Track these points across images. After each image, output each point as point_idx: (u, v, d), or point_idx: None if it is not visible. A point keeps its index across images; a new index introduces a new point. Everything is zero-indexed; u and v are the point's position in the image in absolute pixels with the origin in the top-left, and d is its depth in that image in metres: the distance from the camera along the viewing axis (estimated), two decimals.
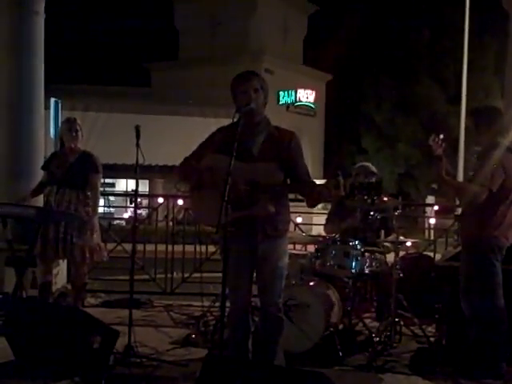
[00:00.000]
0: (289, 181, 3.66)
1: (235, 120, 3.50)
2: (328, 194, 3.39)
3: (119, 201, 20.55)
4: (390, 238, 5.16)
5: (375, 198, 4.73)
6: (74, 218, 5.01)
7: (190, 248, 6.93)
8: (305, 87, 27.26)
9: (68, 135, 5.29)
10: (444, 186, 4.51)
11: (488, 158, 4.22)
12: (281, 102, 26.63)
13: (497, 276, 4.23)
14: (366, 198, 4.35)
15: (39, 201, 5.66)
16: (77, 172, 5.18)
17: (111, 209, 19.73)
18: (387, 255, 5.40)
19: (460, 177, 19.42)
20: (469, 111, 4.75)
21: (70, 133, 5.29)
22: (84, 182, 5.17)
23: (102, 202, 18.59)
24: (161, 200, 7.91)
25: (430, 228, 10.71)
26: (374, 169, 5.50)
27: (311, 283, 4.91)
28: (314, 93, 27.67)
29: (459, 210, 5.43)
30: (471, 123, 4.53)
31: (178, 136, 19.78)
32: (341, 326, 4.98)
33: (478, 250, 4.25)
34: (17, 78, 6.39)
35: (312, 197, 3.54)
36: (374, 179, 4.80)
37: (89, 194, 5.20)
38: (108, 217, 14.49)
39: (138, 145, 4.34)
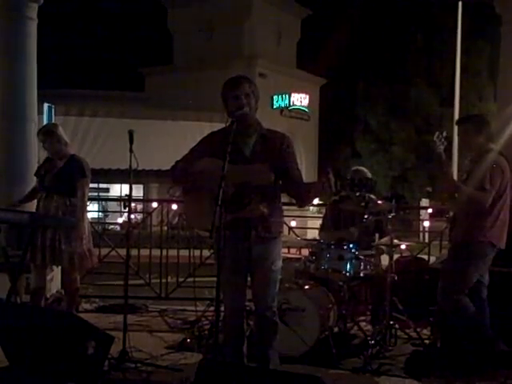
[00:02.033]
0: (281, 183, 3.65)
1: (227, 124, 3.50)
2: (317, 192, 3.39)
3: (113, 206, 20.52)
4: (384, 239, 5.18)
5: (366, 195, 4.77)
6: (66, 224, 4.98)
7: (184, 253, 6.92)
8: (299, 91, 27.30)
9: (45, 146, 5.28)
10: (447, 185, 4.52)
11: (483, 161, 4.26)
12: (275, 106, 26.65)
13: (473, 280, 4.33)
14: (357, 195, 4.36)
15: (33, 207, 5.65)
16: (64, 177, 5.12)
17: (105, 214, 19.70)
18: (382, 258, 5.41)
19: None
20: (456, 120, 4.83)
21: (43, 145, 5.27)
22: (72, 188, 5.11)
23: (95, 206, 18.62)
24: (155, 205, 7.90)
25: (424, 231, 10.71)
26: (368, 173, 5.50)
27: (306, 287, 4.91)
28: (307, 97, 27.71)
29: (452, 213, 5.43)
30: (461, 130, 4.56)
31: (173, 141, 19.77)
32: (336, 330, 4.98)
33: (467, 252, 4.29)
34: (9, 83, 6.37)
35: (301, 196, 3.55)
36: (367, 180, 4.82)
37: (75, 199, 5.14)
38: (102, 222, 14.45)
39: (131, 150, 4.34)
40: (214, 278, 3.24)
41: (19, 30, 6.40)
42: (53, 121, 15.57)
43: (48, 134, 5.23)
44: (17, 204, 5.39)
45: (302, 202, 3.63)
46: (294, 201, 3.71)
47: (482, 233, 4.26)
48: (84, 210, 5.19)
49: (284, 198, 3.81)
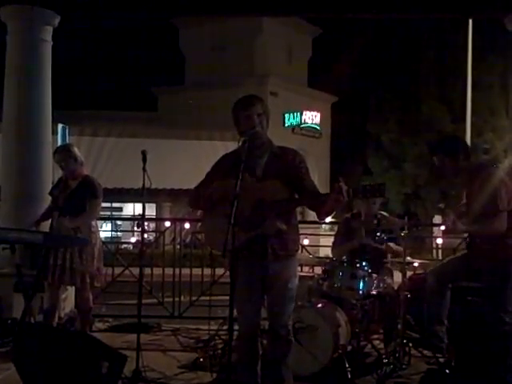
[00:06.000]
0: (297, 196, 3.66)
1: (239, 144, 3.53)
2: (335, 201, 3.38)
3: (126, 225, 20.58)
4: (396, 247, 5.18)
5: (379, 213, 4.75)
6: (78, 243, 5.03)
7: (197, 271, 6.93)
8: (310, 109, 27.39)
9: (61, 165, 5.34)
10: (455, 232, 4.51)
11: (477, 180, 4.27)
12: (286, 125, 26.73)
13: None
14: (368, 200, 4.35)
15: (47, 227, 5.69)
16: (77, 198, 5.20)
17: (118, 233, 19.76)
18: (395, 275, 5.38)
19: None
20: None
21: (59, 164, 5.33)
22: (84, 209, 5.19)
23: (109, 226, 18.67)
24: (168, 224, 7.93)
25: (437, 248, 10.65)
26: None
27: (319, 305, 4.90)
28: (319, 114, 27.79)
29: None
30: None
31: (185, 160, 19.88)
32: (349, 348, 4.95)
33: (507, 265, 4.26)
34: (24, 105, 6.43)
35: (319, 206, 3.54)
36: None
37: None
38: (115, 241, 14.49)
39: (144, 169, 4.39)
40: (228, 297, 3.24)
41: (34, 52, 6.48)
42: (67, 141, 15.70)
43: (64, 153, 5.32)
44: (36, 224, 5.46)
45: (320, 214, 3.61)
46: (306, 218, 3.72)
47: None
48: (90, 226, 5.24)
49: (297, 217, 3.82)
